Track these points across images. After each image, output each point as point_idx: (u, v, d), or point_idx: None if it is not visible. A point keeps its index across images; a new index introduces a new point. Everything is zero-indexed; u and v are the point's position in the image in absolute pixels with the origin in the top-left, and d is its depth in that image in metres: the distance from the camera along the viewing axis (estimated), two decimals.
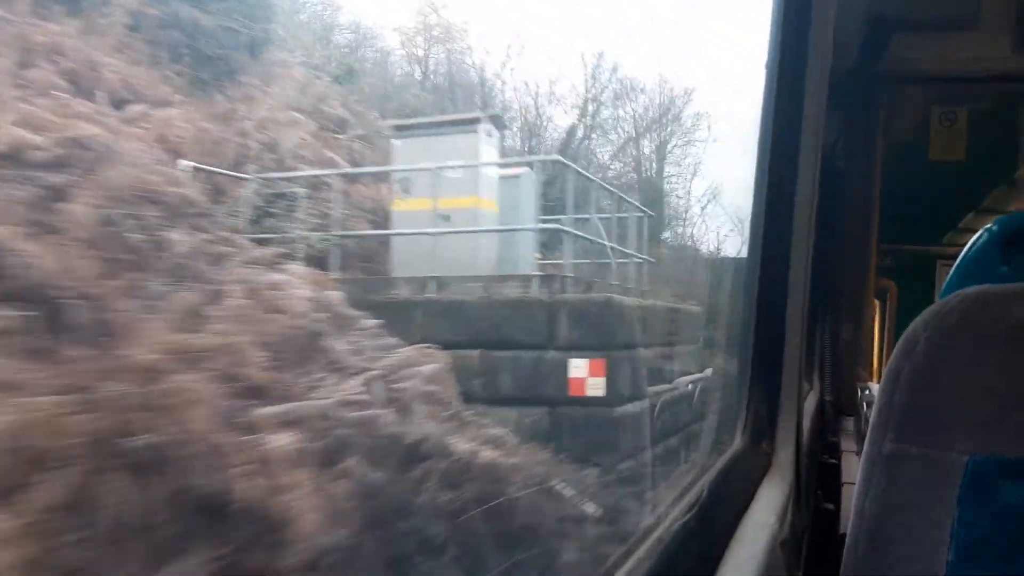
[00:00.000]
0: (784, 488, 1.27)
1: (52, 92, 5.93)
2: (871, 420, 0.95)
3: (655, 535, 0.89)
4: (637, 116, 23.01)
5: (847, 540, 0.95)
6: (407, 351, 5.46)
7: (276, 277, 5.15)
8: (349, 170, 9.72)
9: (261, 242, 6.62)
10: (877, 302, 3.20)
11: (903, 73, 2.49)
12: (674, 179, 23.13)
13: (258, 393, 3.78)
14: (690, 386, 14.18)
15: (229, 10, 9.73)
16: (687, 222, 21.94)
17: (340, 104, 11.13)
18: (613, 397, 8.23)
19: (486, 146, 8.88)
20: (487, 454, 4.81)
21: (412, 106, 14.17)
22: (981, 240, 1.32)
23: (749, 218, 1.50)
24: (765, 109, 1.42)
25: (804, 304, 1.41)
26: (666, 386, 13.54)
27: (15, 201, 3.79)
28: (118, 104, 7.28)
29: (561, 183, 10.11)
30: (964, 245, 1.38)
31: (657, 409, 12.90)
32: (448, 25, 20.57)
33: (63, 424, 2.72)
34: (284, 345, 4.31)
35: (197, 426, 3.22)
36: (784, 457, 1.35)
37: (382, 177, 9.79)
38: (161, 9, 8.92)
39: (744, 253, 1.46)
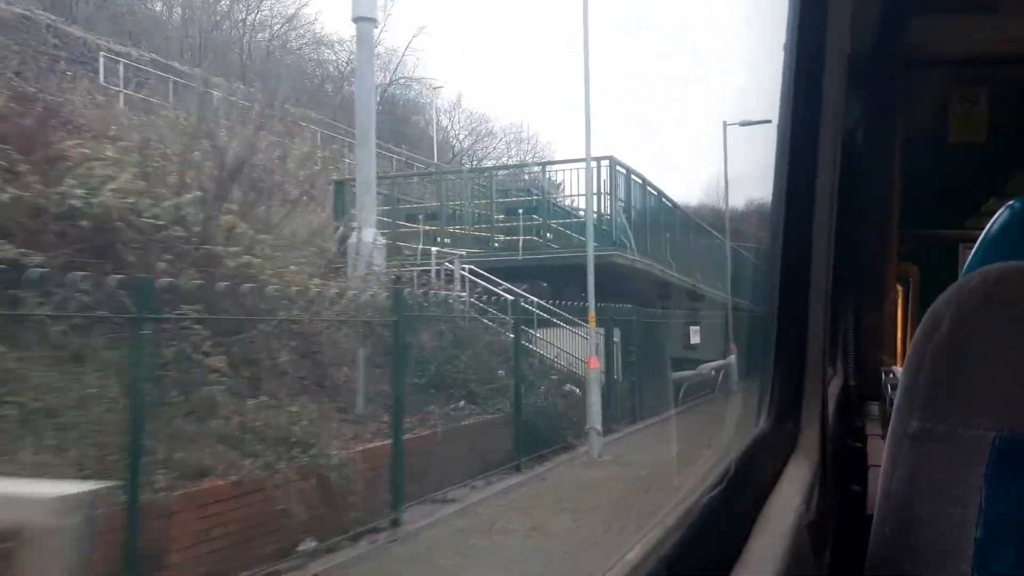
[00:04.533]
0: (810, 469, 1.21)
1: None
2: (896, 400, 0.91)
3: (685, 505, 0.86)
4: None
5: (874, 520, 0.92)
6: None
7: None
8: None
9: None
10: (900, 287, 3.08)
11: (921, 56, 2.38)
12: None
13: None
14: (713, 372, 15.28)
15: None
16: None
17: None
18: None
19: None
20: None
21: None
22: (1004, 217, 1.26)
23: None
24: (783, 93, 1.35)
25: (827, 287, 1.36)
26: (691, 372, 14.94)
27: None
28: None
29: None
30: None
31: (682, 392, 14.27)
32: None
33: None
34: None
35: None
36: (810, 438, 1.29)
37: None
38: None
39: None
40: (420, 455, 7.83)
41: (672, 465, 9.28)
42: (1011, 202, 1.27)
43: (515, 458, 9.61)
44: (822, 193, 1.36)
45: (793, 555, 0.85)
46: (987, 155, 2.75)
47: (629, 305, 14.36)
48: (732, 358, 14.51)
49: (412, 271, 12.93)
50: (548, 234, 15.96)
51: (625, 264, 15.16)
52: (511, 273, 14.40)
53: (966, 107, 2.46)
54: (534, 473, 9.58)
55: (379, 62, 26.93)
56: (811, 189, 1.35)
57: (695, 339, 17.09)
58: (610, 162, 15.76)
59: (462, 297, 12.44)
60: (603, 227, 15.87)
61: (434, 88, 29.23)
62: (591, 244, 11.39)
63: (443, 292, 12.08)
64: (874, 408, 2.33)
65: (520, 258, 15.35)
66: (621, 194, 16.04)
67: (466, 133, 31.24)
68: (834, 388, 1.80)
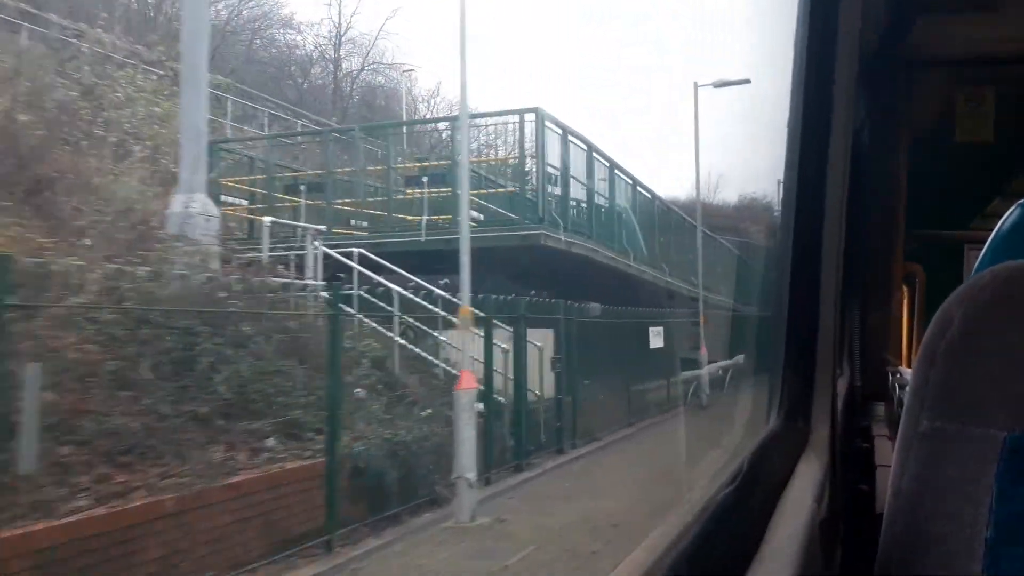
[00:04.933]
0: (821, 467, 1.59)
1: None
2: (906, 399, 1.14)
3: (702, 503, 1.16)
4: None
5: (884, 519, 1.14)
6: None
7: None
8: None
9: None
10: (906, 288, 3.71)
11: (927, 56, 2.97)
12: None
13: None
14: (720, 371, 17.47)
15: None
16: None
17: None
18: None
19: None
20: None
21: None
22: (1014, 216, 1.58)
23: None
24: (794, 93, 1.76)
25: (837, 287, 1.77)
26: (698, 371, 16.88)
27: None
28: None
29: None
30: (992, 230, 1.66)
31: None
32: None
33: None
34: None
35: None
36: (820, 436, 1.70)
37: None
38: None
39: None
40: (120, 543, 6.22)
41: (585, 529, 8.75)
42: (1022, 201, 1.60)
43: (332, 528, 8.16)
44: (832, 194, 1.77)
45: (807, 553, 1.10)
46: (992, 156, 3.38)
47: (562, 300, 14.24)
48: (739, 358, 16.11)
49: (274, 254, 12.63)
50: (479, 213, 15.62)
51: (557, 248, 15.04)
52: (416, 259, 14.13)
53: (972, 107, 3.06)
54: (351, 555, 8.14)
55: (352, 46, 32.45)
56: (821, 190, 1.77)
57: (656, 342, 17.77)
58: (536, 116, 15.31)
59: (339, 288, 11.97)
60: (528, 199, 15.64)
61: (404, 72, 32.42)
62: (465, 213, 10.86)
63: (290, 280, 11.27)
64: (879, 408, 2.84)
65: (424, 239, 14.98)
66: (555, 159, 15.91)
67: (446, 124, 34.48)
68: (840, 388, 2.22)
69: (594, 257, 16.61)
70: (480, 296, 12.39)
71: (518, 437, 12.52)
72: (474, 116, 22.94)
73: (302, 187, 16.83)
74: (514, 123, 16.01)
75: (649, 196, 21.90)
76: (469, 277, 10.32)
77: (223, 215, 14.37)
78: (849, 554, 1.67)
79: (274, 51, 32.08)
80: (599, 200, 18.28)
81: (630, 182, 20.23)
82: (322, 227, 14.01)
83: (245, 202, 17.08)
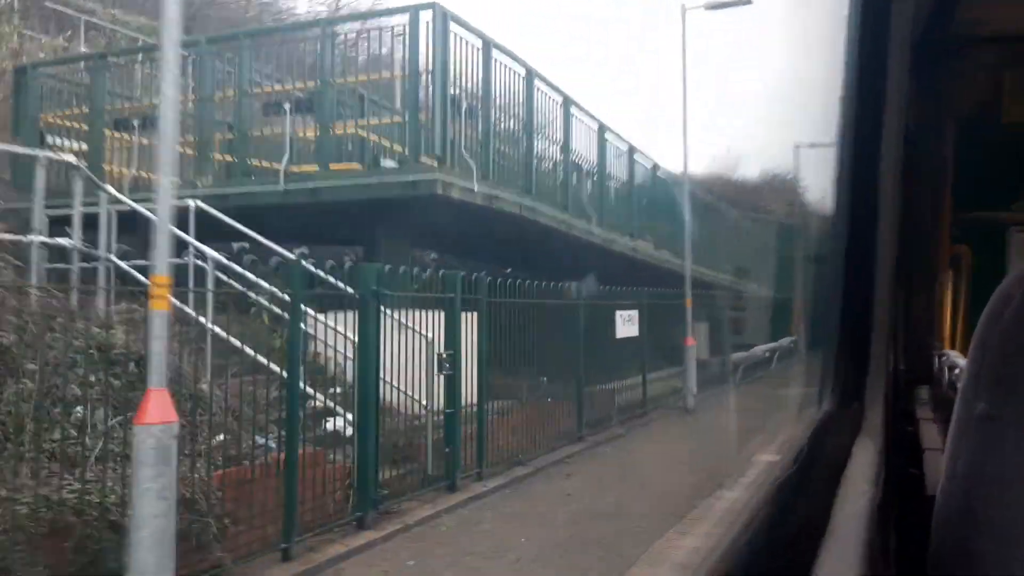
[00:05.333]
0: (876, 451, 1.96)
1: None
2: (961, 383, 1.36)
3: (767, 488, 1.52)
4: None
5: (937, 502, 1.37)
6: None
7: None
8: None
9: None
10: (951, 269, 4.42)
11: (973, 35, 3.61)
12: None
13: None
14: (767, 353, 21.15)
15: None
16: None
17: None
18: None
19: None
20: None
21: None
22: None
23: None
24: (847, 75, 2.25)
25: (891, 269, 2.27)
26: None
27: None
28: None
29: None
30: None
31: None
32: None
33: None
34: None
35: None
36: (874, 419, 2.18)
37: None
38: None
39: None
40: None
41: None
42: None
43: None
44: (886, 176, 2.26)
45: (870, 535, 1.36)
46: None
47: (460, 273, 13.05)
48: (784, 341, 19.71)
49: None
50: (393, 162, 14.86)
51: (468, 201, 14.36)
52: (274, 216, 13.86)
53: (1020, 86, 3.75)
54: None
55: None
56: (874, 174, 2.25)
57: (627, 330, 18.27)
58: (434, 14, 14.48)
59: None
60: (425, 129, 14.57)
61: (397, 36, 35.39)
62: (169, 147, 7.44)
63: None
64: (923, 392, 3.45)
65: (282, 189, 14.49)
66: (474, 82, 15.35)
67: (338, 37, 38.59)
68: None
69: (535, 218, 15.98)
70: (290, 259, 11.56)
71: (365, 473, 10.57)
72: (349, 18, 21.74)
73: (135, 123, 16.42)
74: (404, 25, 14.70)
75: (625, 149, 21.93)
76: (168, 234, 7.91)
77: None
78: (902, 536, 1.97)
79: (266, 16, 37.06)
80: (547, 146, 17.74)
81: (595, 127, 19.70)
82: (81, 163, 12.97)
83: (76, 143, 16.78)
